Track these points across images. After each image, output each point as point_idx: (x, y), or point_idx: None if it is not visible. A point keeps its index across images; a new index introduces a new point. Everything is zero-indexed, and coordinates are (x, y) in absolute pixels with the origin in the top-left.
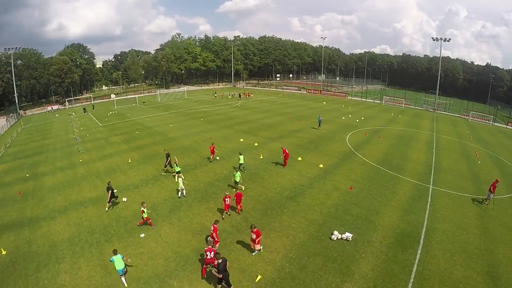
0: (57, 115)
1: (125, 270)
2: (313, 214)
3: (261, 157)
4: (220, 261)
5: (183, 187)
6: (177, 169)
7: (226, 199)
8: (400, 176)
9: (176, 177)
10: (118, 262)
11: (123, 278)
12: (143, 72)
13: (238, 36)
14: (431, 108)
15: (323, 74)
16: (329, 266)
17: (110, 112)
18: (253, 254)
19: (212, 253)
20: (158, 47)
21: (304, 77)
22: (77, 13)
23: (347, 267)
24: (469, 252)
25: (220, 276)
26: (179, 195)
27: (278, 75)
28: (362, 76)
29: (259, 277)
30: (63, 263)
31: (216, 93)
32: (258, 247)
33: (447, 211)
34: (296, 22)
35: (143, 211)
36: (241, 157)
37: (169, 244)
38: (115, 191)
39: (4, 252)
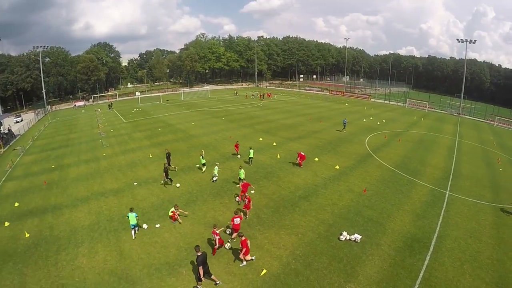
0: (83, 111)
1: (136, 226)
2: (324, 214)
3: (278, 157)
4: (199, 254)
5: (217, 175)
6: (203, 161)
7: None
8: (416, 180)
9: (202, 169)
10: (132, 218)
11: (132, 231)
12: (167, 71)
13: (262, 36)
14: (456, 112)
15: (347, 75)
16: (334, 266)
17: (134, 109)
18: (240, 266)
19: (238, 219)
20: (183, 47)
21: (328, 78)
22: (104, 13)
23: (352, 268)
24: (480, 262)
25: (200, 267)
26: (214, 180)
27: (301, 76)
28: (387, 78)
29: (264, 271)
30: (82, 247)
31: (237, 93)
32: (248, 257)
33: (462, 218)
34: (321, 22)
35: (176, 213)
36: (251, 151)
37: (182, 235)
38: (135, 183)
39: (27, 235)
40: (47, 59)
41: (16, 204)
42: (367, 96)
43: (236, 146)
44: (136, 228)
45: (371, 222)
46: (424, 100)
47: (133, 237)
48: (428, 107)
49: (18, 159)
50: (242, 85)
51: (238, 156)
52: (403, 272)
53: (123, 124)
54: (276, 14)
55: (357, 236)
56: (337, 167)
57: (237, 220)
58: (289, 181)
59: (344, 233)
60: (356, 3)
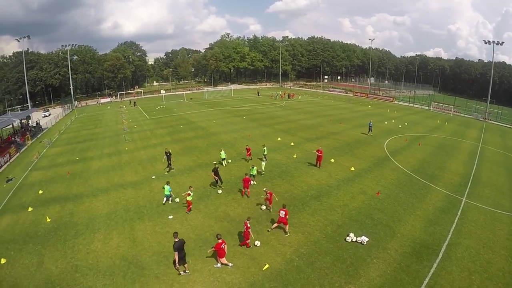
0: (109, 107)
1: (170, 196)
2: (334, 214)
3: (295, 156)
4: (176, 240)
5: (263, 170)
6: (223, 156)
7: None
8: (432, 185)
9: (222, 163)
10: (166, 190)
11: (164, 199)
12: (193, 70)
13: (287, 36)
14: (481, 117)
15: (372, 77)
16: (337, 266)
17: (158, 107)
18: (215, 266)
19: (283, 212)
20: (208, 46)
21: (353, 80)
22: (132, 12)
23: (355, 270)
24: (490, 273)
25: (176, 253)
26: (262, 173)
27: (326, 77)
28: (413, 81)
29: (266, 266)
30: (98, 233)
31: (259, 93)
32: (224, 261)
33: (476, 226)
34: (347, 22)
35: (188, 194)
36: (265, 148)
37: (192, 227)
38: (153, 177)
39: (49, 220)
40: (75, 57)
41: (40, 192)
42: (391, 99)
43: (248, 150)
44: (170, 199)
45: (381, 225)
46: (450, 104)
47: (163, 203)
48: (453, 111)
49: (44, 150)
50: (266, 85)
51: (250, 159)
52: (407, 278)
53: (147, 120)
54: (302, 14)
55: (364, 238)
56: (353, 168)
57: (282, 213)
58: (302, 180)
59: (351, 234)
60: (383, 3)
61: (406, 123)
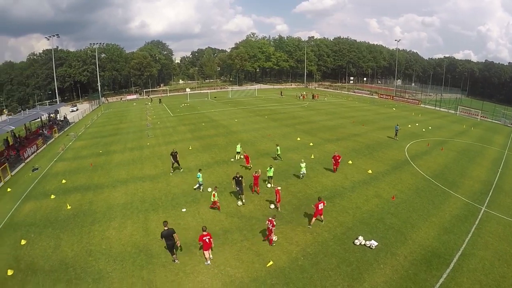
0: (134, 103)
1: (202, 184)
2: (345, 216)
3: (312, 157)
4: (166, 229)
5: (305, 172)
6: (239, 149)
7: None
8: (451, 192)
9: (236, 157)
10: (199, 177)
11: (196, 185)
12: (218, 69)
13: (313, 36)
14: (510, 122)
15: (398, 79)
16: (342, 268)
17: (183, 104)
18: (205, 264)
19: (322, 204)
20: (234, 46)
21: (379, 81)
22: (159, 12)
23: (359, 274)
24: None
25: (162, 239)
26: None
27: (351, 78)
28: (440, 83)
29: (271, 262)
30: (113, 222)
31: (283, 93)
32: (207, 255)
33: (493, 237)
34: (374, 23)
35: (214, 195)
36: (278, 148)
37: (203, 220)
38: (171, 172)
39: (69, 207)
40: (103, 55)
41: (63, 181)
42: (417, 102)
43: (246, 157)
44: (201, 187)
45: (392, 230)
46: (477, 108)
47: (194, 187)
48: (481, 116)
49: (70, 143)
50: (291, 85)
51: (250, 167)
52: (413, 287)
53: (170, 117)
54: (328, 14)
55: (373, 243)
56: (370, 171)
57: (321, 206)
58: (317, 181)
59: (360, 237)
60: (411, 3)
61: (430, 127)
